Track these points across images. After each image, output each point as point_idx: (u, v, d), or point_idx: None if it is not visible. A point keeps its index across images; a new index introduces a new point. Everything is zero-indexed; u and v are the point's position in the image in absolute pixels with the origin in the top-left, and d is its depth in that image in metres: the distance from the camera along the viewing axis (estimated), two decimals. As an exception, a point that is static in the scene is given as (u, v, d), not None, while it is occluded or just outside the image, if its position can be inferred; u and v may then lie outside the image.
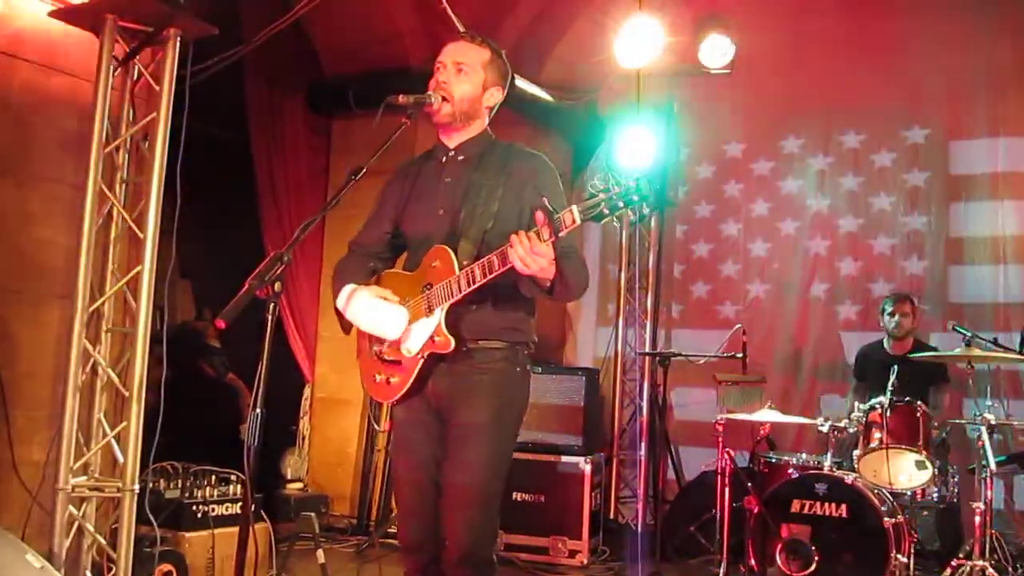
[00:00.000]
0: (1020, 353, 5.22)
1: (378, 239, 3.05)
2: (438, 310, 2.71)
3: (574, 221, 2.41)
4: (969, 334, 5.01)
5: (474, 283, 2.63)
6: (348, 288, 2.87)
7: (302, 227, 2.60)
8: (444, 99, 2.85)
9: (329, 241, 6.88)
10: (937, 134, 6.66)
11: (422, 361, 2.76)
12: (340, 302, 2.87)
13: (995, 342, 5.37)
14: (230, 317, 2.30)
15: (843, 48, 6.94)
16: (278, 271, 2.39)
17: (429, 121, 2.93)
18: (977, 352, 4.81)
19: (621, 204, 2.34)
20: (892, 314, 5.84)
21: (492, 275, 2.58)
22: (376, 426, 6.30)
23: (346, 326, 2.93)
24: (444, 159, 2.96)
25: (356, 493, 6.53)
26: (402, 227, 3.00)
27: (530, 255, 2.45)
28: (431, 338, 2.73)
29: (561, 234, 2.43)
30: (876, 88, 6.83)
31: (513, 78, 3.20)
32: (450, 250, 2.73)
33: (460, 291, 2.66)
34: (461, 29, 5.31)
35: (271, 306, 2.41)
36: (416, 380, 2.79)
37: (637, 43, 7.14)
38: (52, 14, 4.16)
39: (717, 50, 7.13)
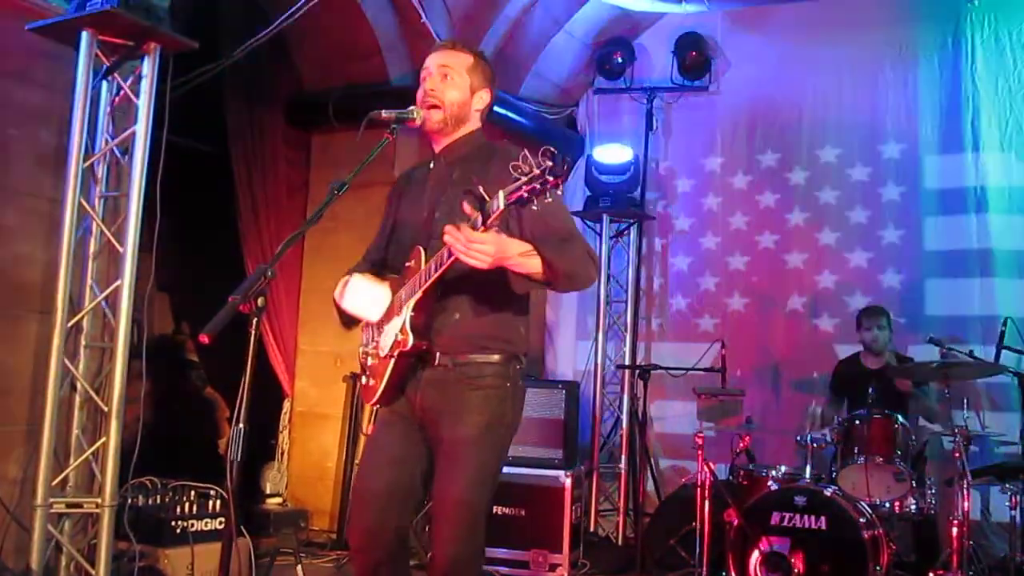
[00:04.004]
0: (996, 365, 5.28)
1: (378, 249, 3.10)
2: (405, 308, 2.73)
3: (499, 207, 2.41)
4: (945, 347, 5.05)
5: (431, 276, 2.64)
6: (344, 278, 2.93)
7: (285, 242, 2.60)
8: (435, 106, 2.87)
9: (308, 254, 6.88)
10: (912, 149, 6.74)
11: (393, 361, 2.76)
12: (336, 292, 2.91)
13: (971, 355, 5.43)
14: (213, 332, 2.28)
15: (820, 63, 7.02)
16: (262, 286, 2.38)
17: (418, 133, 2.95)
18: (951, 362, 4.87)
19: (538, 185, 2.34)
20: (868, 328, 5.84)
21: (445, 266, 2.59)
22: (362, 431, 6.26)
23: (345, 320, 2.96)
24: (432, 164, 3.00)
25: (336, 508, 6.48)
26: (395, 235, 3.03)
27: (467, 244, 2.45)
28: (396, 336, 2.75)
29: (491, 220, 2.44)
30: (852, 103, 6.92)
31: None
32: (423, 249, 2.75)
33: (420, 286, 2.68)
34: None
35: (254, 321, 2.38)
36: (390, 381, 2.79)
37: (615, 58, 7.22)
38: (31, 28, 4.13)
39: (695, 65, 7.21)
